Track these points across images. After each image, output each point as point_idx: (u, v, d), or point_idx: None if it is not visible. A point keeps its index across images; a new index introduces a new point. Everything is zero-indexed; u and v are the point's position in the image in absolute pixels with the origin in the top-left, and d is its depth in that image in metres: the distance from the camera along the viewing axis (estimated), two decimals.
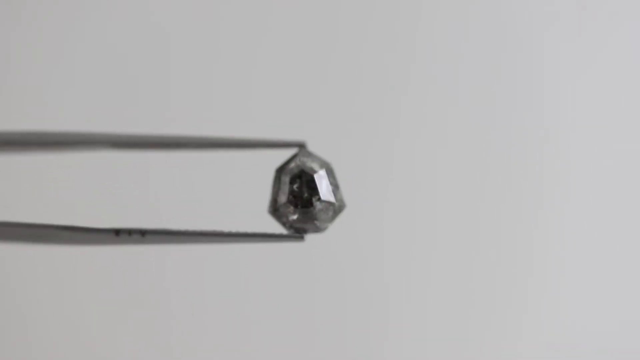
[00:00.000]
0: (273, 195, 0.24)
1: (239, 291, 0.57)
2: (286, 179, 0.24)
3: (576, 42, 0.57)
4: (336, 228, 0.52)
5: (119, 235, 0.24)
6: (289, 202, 0.24)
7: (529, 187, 0.56)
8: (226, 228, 0.25)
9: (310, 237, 0.25)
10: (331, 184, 0.24)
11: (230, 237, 0.24)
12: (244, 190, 0.54)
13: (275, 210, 0.24)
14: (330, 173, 0.24)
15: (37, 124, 0.54)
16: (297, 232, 0.25)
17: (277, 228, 0.25)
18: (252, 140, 0.25)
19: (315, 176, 0.24)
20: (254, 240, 0.24)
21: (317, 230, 0.25)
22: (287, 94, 0.57)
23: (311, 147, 0.25)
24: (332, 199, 0.24)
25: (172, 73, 0.56)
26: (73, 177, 0.55)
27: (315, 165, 0.24)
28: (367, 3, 0.57)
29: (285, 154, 0.25)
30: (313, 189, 0.24)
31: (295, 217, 0.24)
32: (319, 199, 0.24)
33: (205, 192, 0.56)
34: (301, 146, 0.24)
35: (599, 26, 0.57)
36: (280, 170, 0.24)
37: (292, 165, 0.24)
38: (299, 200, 0.24)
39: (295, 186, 0.24)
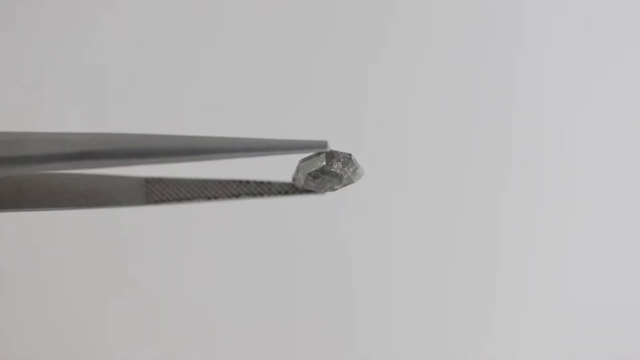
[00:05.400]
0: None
1: (227, 282, 0.57)
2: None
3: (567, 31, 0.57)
4: (327, 226, 0.52)
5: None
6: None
7: (518, 190, 0.56)
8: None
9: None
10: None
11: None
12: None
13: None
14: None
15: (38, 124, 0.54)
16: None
17: None
18: (277, 142, 0.26)
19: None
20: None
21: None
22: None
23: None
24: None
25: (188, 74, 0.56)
26: None
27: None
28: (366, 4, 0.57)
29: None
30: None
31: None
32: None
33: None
34: (324, 147, 0.27)
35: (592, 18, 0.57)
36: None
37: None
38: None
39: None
